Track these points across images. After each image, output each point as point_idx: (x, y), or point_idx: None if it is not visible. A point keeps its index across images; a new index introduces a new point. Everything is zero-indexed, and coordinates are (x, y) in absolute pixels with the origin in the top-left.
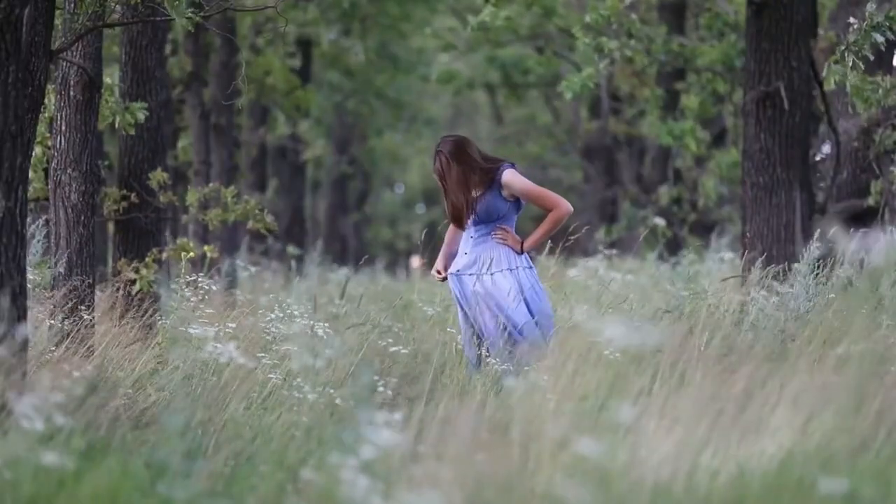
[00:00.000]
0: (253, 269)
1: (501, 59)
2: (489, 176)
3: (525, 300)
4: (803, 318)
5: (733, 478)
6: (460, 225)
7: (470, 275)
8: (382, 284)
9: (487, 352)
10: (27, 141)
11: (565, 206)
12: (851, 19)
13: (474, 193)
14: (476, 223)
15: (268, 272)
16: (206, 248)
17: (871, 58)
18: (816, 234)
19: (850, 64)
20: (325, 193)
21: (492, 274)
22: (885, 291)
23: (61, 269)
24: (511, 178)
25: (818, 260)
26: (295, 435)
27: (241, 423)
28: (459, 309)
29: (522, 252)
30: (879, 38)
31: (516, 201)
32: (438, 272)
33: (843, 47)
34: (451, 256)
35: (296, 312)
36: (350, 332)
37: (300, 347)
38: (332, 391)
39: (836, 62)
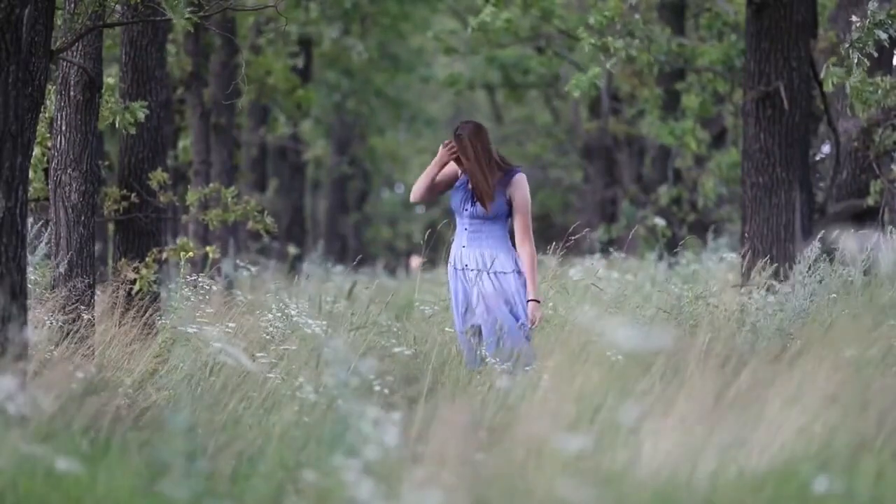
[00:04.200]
0: (253, 268)
1: (501, 60)
2: (502, 172)
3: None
4: (803, 318)
5: (733, 478)
6: (485, 204)
7: (472, 270)
8: (381, 283)
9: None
10: (27, 141)
11: (532, 250)
12: (853, 17)
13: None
14: (473, 216)
15: (267, 272)
16: (207, 248)
17: (875, 55)
18: (818, 235)
19: (856, 61)
20: (325, 193)
21: (495, 273)
22: (885, 292)
23: (62, 269)
24: (522, 181)
25: (818, 260)
26: (295, 435)
27: (242, 423)
28: (456, 306)
29: (537, 300)
30: (882, 36)
31: (509, 208)
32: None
33: (846, 45)
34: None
35: (316, 325)
36: (352, 333)
37: (336, 360)
38: (334, 392)
39: (836, 63)
